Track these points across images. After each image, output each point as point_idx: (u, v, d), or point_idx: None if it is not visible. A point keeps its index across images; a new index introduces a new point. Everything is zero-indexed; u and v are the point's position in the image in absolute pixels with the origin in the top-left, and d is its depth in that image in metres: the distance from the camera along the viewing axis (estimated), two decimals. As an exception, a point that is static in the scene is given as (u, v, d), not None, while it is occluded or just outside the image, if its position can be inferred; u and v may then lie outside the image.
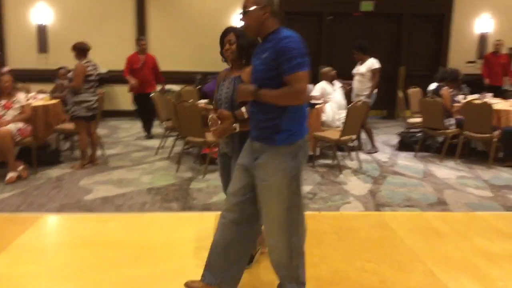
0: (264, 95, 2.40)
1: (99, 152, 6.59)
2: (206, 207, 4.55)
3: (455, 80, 6.70)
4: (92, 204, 4.61)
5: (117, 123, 9.38)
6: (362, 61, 6.88)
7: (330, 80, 7.29)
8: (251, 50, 2.84)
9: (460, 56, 10.63)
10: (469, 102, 6.31)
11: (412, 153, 6.92)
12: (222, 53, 3.02)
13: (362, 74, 6.84)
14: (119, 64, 9.95)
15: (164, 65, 9.86)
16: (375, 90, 6.88)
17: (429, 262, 3.34)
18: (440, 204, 4.71)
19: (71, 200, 4.69)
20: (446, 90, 6.55)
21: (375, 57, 6.94)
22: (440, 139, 7.12)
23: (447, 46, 10.73)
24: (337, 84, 7.08)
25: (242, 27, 2.58)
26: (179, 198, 4.81)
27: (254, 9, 2.42)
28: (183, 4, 10.05)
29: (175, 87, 9.82)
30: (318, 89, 6.92)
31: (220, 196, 4.86)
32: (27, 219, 4.09)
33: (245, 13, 2.46)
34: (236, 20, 10.01)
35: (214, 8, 10.01)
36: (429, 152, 6.99)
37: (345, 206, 4.62)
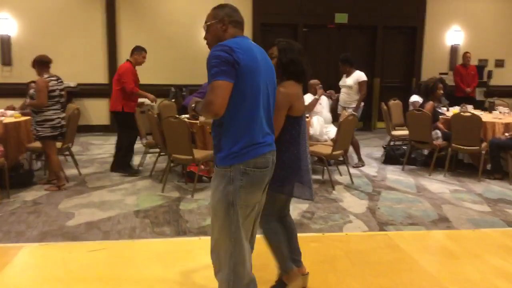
0: (197, 109, 2.34)
1: (74, 172, 6.17)
2: (202, 231, 4.25)
3: (433, 92, 6.65)
4: (76, 230, 4.23)
5: (88, 139, 8.91)
6: (348, 73, 6.77)
7: (314, 91, 7.14)
8: (292, 67, 2.72)
9: (433, 68, 10.76)
10: (457, 115, 6.29)
11: (399, 167, 6.84)
12: None
13: (349, 87, 6.73)
14: (88, 77, 9.55)
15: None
16: (362, 103, 6.78)
17: (452, 287, 3.16)
18: (443, 221, 4.58)
19: (53, 227, 4.29)
20: (430, 105, 6.51)
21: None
22: (425, 152, 7.08)
23: (420, 58, 10.86)
24: (323, 97, 6.94)
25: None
26: (171, 222, 4.49)
27: (211, 24, 2.35)
28: (155, 15, 9.73)
29: (148, 101, 9.46)
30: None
31: (214, 218, 4.57)
32: (7, 251, 3.67)
33: (206, 29, 2.38)
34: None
35: (187, 20, 9.74)
36: (415, 165, 6.92)
37: (347, 225, 4.43)
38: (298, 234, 3.08)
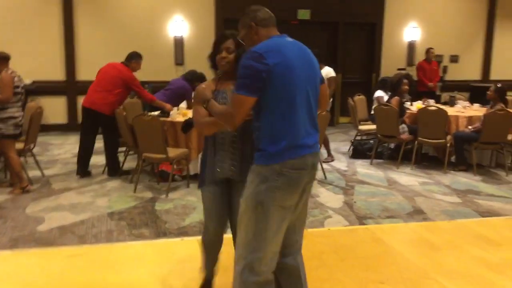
0: (210, 107, 2.34)
1: (36, 173, 5.88)
2: (182, 231, 4.14)
3: (399, 87, 6.80)
4: (49, 235, 4.02)
5: (46, 139, 8.52)
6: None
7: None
8: None
9: (391, 63, 11.01)
10: (424, 109, 6.45)
11: (366, 161, 6.95)
12: (213, 59, 2.66)
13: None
14: (44, 74, 9.13)
15: (94, 75, 9.22)
16: (330, 99, 6.83)
17: (440, 278, 3.23)
18: (418, 213, 4.68)
19: (23, 232, 4.06)
20: (396, 100, 6.65)
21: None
22: (391, 145, 7.24)
23: (380, 54, 11.08)
24: None
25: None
26: (148, 223, 4.35)
27: (244, 35, 2.34)
28: (115, 10, 9.41)
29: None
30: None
31: (193, 217, 4.48)
32: (-23, 260, 3.44)
33: (243, 43, 2.37)
34: (172, 27, 9.58)
35: (148, 15, 9.49)
36: (382, 159, 7.06)
37: (328, 221, 4.44)
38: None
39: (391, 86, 6.73)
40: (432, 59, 9.75)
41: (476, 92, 11.00)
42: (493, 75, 11.79)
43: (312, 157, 2.24)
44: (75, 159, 6.73)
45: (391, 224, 4.35)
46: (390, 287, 3.12)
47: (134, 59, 5.99)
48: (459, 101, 7.76)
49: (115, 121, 5.78)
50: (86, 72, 9.03)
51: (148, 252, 3.68)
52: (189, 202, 4.94)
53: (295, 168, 2.16)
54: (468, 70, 11.73)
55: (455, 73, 11.52)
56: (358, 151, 7.29)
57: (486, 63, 11.82)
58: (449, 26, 11.33)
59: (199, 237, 3.91)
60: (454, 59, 11.53)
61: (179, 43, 9.74)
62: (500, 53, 11.74)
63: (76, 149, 7.42)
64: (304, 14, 10.35)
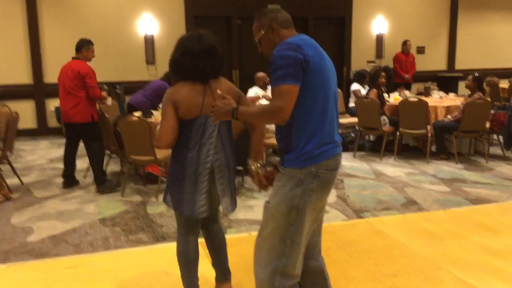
0: (242, 113, 2.11)
1: (14, 181, 5.60)
2: (181, 235, 4.03)
3: (376, 80, 6.88)
4: (42, 246, 3.82)
5: (16, 145, 8.12)
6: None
7: (263, 85, 7.12)
8: (174, 66, 2.60)
9: (361, 56, 11.15)
10: (405, 101, 6.53)
11: (349, 153, 6.98)
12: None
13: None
14: (10, 78, 8.72)
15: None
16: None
17: (450, 267, 3.26)
18: (412, 204, 4.74)
19: (13, 244, 3.84)
20: (374, 92, 6.72)
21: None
22: (372, 137, 7.32)
23: (349, 47, 11.18)
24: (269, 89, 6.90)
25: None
26: (144, 228, 4.21)
27: (263, 36, 2.22)
28: (82, 9, 9.08)
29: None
30: (251, 94, 6.71)
31: (189, 220, 4.36)
32: (-30, 278, 3.22)
33: (259, 44, 2.26)
34: (141, 25, 9.35)
35: (117, 14, 9.22)
36: (363, 152, 7.12)
37: (326, 216, 4.41)
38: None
39: (369, 78, 6.78)
40: (408, 51, 9.95)
41: (442, 81, 11.30)
42: (458, 65, 12.12)
43: (340, 156, 2.20)
44: (52, 165, 6.49)
45: (389, 216, 4.38)
46: (404, 279, 3.12)
47: (83, 47, 5.29)
48: (434, 91, 7.92)
49: (96, 127, 5.36)
50: (55, 74, 8.57)
51: (151, 257, 3.55)
52: (181, 204, 4.81)
53: (330, 169, 2.11)
54: (434, 60, 12.01)
55: (422, 64, 11.74)
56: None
57: (451, 54, 12.13)
58: (415, 18, 11.55)
59: (201, 239, 3.85)
60: (420, 50, 11.77)
61: (149, 42, 9.52)
62: (464, 44, 12.07)
63: (50, 155, 7.22)
64: (274, 9, 10.30)
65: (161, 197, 5.02)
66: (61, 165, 6.38)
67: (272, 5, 2.26)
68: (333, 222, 4.25)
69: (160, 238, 3.98)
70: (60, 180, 5.69)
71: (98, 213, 4.60)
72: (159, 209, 4.69)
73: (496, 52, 12.21)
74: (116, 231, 4.12)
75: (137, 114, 5.89)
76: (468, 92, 6.58)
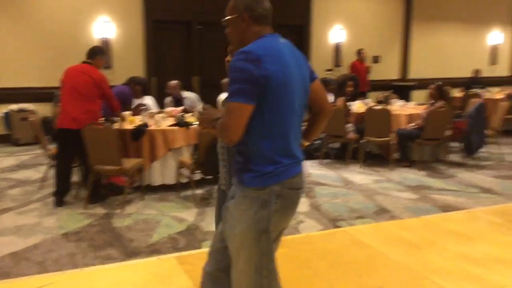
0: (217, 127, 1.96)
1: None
2: (154, 249, 3.83)
3: (343, 88, 6.95)
4: (2, 265, 3.51)
5: (-39, 154, 7.59)
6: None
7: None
8: None
9: (320, 65, 11.20)
10: (370, 109, 6.60)
11: (314, 161, 6.97)
12: None
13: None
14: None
15: (11, 81, 8.48)
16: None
17: (434, 277, 3.25)
18: (384, 212, 4.75)
19: (-32, 265, 3.51)
20: (342, 100, 6.76)
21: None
22: (336, 145, 7.35)
23: (309, 55, 11.24)
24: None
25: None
26: (113, 243, 3.97)
27: (231, 18, 2.02)
28: (34, 12, 8.61)
29: (30, 106, 8.40)
30: (222, 100, 6.57)
31: (160, 233, 4.17)
32: None
33: (226, 24, 2.06)
34: (97, 29, 8.99)
35: (71, 17, 8.81)
36: (329, 159, 7.13)
37: (301, 226, 4.34)
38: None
39: (337, 87, 6.81)
40: (364, 60, 10.11)
41: (396, 90, 11.58)
42: (411, 75, 12.48)
43: (303, 174, 2.05)
44: (5, 175, 6.08)
45: (365, 225, 4.36)
46: (391, 290, 3.08)
47: (98, 54, 4.99)
48: (393, 100, 8.06)
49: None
50: (7, 79, 8.25)
51: (125, 275, 3.33)
52: (150, 217, 4.60)
53: (294, 188, 1.96)
54: (388, 69, 12.30)
55: (377, 73, 12.00)
56: (305, 152, 7.28)
57: (405, 63, 12.47)
58: (371, 28, 11.80)
59: (177, 254, 3.68)
60: (376, 59, 12.02)
61: (105, 46, 9.16)
62: (417, 54, 12.43)
63: (2, 163, 6.74)
64: (235, 15, 10.22)
65: (127, 209, 4.79)
66: (12, 175, 6.03)
67: None
68: (310, 232, 4.17)
69: (131, 253, 3.76)
70: (14, 191, 5.31)
71: (59, 227, 4.31)
72: (126, 222, 4.46)
73: (447, 62, 12.67)
74: (82, 247, 3.86)
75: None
76: (430, 100, 6.73)
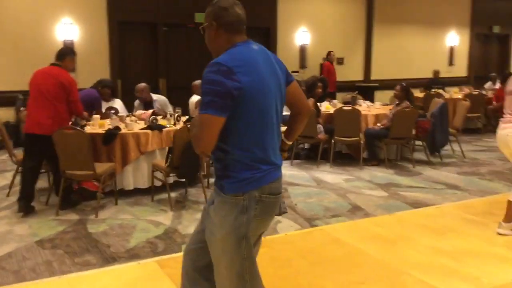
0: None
1: None
2: (133, 254, 3.79)
3: (314, 90, 7.07)
4: (-25, 276, 3.39)
5: None
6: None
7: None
8: None
9: (286, 66, 11.34)
10: (340, 109, 6.73)
11: (286, 162, 7.04)
12: None
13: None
14: None
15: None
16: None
17: (411, 271, 3.36)
18: (358, 210, 4.86)
19: None
20: (312, 101, 6.86)
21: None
22: (306, 145, 7.45)
23: (275, 57, 11.34)
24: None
25: None
26: (89, 249, 3.90)
27: (204, 26, 2.03)
28: (-7, 11, 8.35)
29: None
30: (194, 102, 6.56)
31: (138, 237, 4.13)
32: None
33: (202, 31, 2.06)
34: (60, 30, 8.79)
35: (33, 18, 8.60)
36: (299, 159, 7.22)
37: (279, 226, 4.39)
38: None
39: (307, 88, 6.91)
40: (333, 61, 10.37)
41: (360, 91, 11.86)
42: (374, 76, 12.79)
43: (281, 179, 2.06)
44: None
45: (341, 223, 4.45)
46: (372, 286, 3.17)
47: (67, 56, 4.83)
48: (359, 101, 8.25)
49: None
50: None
51: (107, 281, 3.29)
52: (125, 221, 4.54)
53: (273, 193, 1.98)
54: (352, 71, 12.57)
55: (341, 75, 12.23)
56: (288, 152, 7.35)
57: (367, 65, 12.77)
58: (335, 30, 12.03)
59: (157, 258, 3.66)
60: (340, 61, 12.25)
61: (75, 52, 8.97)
62: (379, 55, 12.76)
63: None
64: (201, 17, 10.12)
65: (101, 214, 4.72)
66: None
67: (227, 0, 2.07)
68: (288, 231, 4.22)
69: (110, 259, 3.70)
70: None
71: (33, 234, 4.20)
72: (101, 227, 4.39)
73: (408, 63, 13.05)
74: (58, 254, 3.78)
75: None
76: (396, 100, 6.93)
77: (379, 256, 3.63)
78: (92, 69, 8.82)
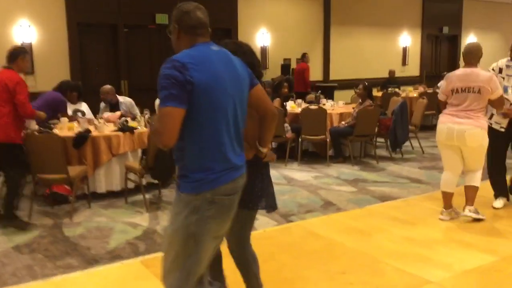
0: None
1: None
2: (115, 255, 3.80)
3: (280, 89, 7.22)
4: (-47, 284, 3.31)
5: None
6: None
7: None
8: None
9: (248, 67, 11.49)
10: (306, 109, 6.91)
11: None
12: None
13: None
14: None
15: None
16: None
17: (388, 260, 3.54)
18: (330, 205, 5.04)
19: None
20: (278, 101, 7.01)
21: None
22: (274, 145, 7.59)
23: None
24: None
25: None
26: (70, 252, 3.87)
27: (169, 29, 2.13)
28: None
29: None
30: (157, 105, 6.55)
31: (117, 239, 4.14)
32: None
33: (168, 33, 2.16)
34: (17, 33, 8.55)
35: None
36: (266, 159, 7.34)
37: (257, 223, 4.44)
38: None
39: (273, 88, 7.05)
40: (308, 62, 10.79)
41: (321, 91, 12.16)
42: (332, 76, 13.11)
43: (242, 179, 2.12)
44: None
45: (316, 218, 4.60)
46: (353, 275, 3.33)
47: (19, 55, 4.53)
48: (323, 100, 8.48)
49: (18, 150, 4.44)
50: None
51: (94, 281, 3.29)
52: (101, 224, 4.52)
53: (228, 194, 2.02)
54: (311, 71, 12.79)
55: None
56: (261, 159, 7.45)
57: (326, 65, 13.08)
58: (294, 32, 12.25)
59: (141, 258, 3.69)
60: (300, 62, 12.50)
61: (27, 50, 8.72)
62: (336, 56, 13.08)
63: None
64: (162, 18, 10.15)
65: (75, 217, 4.67)
66: None
67: (189, 1, 2.15)
68: (266, 228, 4.33)
69: (92, 261, 3.70)
70: None
71: (8, 240, 4.12)
72: (78, 231, 4.35)
73: (364, 64, 13.44)
74: (38, 258, 3.73)
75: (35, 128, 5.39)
76: (359, 99, 7.19)
77: (356, 247, 3.81)
78: (52, 72, 8.63)
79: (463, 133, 4.11)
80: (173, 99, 1.85)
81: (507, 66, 4.50)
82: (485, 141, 4.20)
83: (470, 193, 4.28)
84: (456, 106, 4.19)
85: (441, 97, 4.35)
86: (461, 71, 4.25)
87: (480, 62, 4.26)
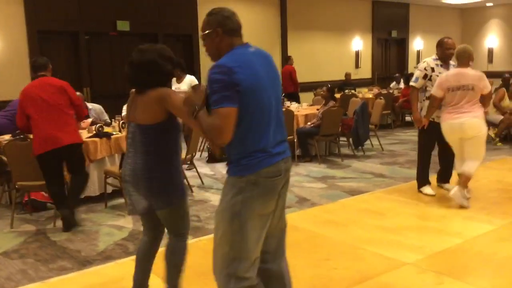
0: (198, 117, 2.20)
1: None
2: (107, 256, 3.91)
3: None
4: (-52, 292, 3.34)
5: None
6: (180, 78, 6.92)
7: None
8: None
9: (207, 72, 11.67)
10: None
11: (223, 163, 7.35)
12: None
13: (184, 92, 6.90)
14: None
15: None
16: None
17: (366, 246, 3.86)
18: (305, 201, 5.33)
19: None
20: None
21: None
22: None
23: (198, 63, 11.60)
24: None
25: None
26: (60, 255, 3.95)
27: (207, 33, 2.32)
28: None
29: None
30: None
31: (106, 241, 4.25)
32: None
33: (202, 39, 2.38)
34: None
35: None
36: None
37: (238, 220, 4.71)
38: (210, 236, 3.17)
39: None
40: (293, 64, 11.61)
41: (284, 94, 12.56)
42: (291, 79, 13.50)
43: (284, 162, 2.30)
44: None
45: (293, 213, 4.87)
46: (336, 261, 3.62)
47: (49, 63, 4.75)
48: (287, 102, 8.80)
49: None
50: None
51: (94, 280, 3.41)
52: (86, 228, 4.61)
53: (270, 176, 2.22)
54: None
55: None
56: (212, 156, 7.65)
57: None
58: (252, 36, 12.22)
59: (133, 257, 3.81)
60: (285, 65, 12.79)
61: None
62: (295, 60, 13.43)
63: None
64: (123, 25, 10.18)
65: (58, 223, 4.72)
66: None
67: (223, 7, 2.39)
68: (248, 224, 4.55)
69: (86, 262, 3.80)
70: None
71: (-6, 247, 4.14)
72: (64, 235, 4.42)
73: (320, 67, 13.92)
74: (29, 263, 3.80)
75: (6, 137, 5.39)
76: (323, 101, 7.55)
77: (335, 237, 4.11)
78: (12, 80, 8.49)
79: (462, 125, 4.63)
80: (227, 100, 2.07)
81: (437, 65, 5.04)
82: (483, 129, 4.71)
83: (463, 178, 4.73)
84: (453, 104, 4.69)
85: (438, 93, 4.76)
86: (455, 71, 4.78)
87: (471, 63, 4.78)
